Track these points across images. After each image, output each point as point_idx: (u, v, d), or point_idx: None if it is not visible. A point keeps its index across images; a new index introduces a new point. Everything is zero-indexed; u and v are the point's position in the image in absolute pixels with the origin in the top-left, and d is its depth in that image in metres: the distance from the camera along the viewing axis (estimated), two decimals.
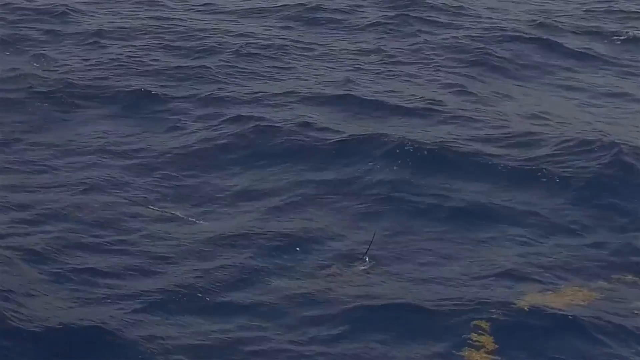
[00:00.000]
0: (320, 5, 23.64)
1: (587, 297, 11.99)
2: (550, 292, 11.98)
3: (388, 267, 12.62)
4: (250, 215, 13.79)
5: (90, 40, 21.03)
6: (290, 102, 17.89)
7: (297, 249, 12.86)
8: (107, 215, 13.59)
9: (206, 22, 22.59)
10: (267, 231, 13.24)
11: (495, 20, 23.09)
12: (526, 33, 22.03)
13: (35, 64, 19.48)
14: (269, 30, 22.13)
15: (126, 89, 18.24)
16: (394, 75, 19.57)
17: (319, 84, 18.80)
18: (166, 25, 22.17)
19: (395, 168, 15.19)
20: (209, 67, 19.41)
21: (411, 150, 15.61)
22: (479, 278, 12.30)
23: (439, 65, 20.21)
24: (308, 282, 12.13)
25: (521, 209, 14.29)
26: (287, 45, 20.97)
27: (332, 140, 16.01)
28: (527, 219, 14.04)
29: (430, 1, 24.03)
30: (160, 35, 21.55)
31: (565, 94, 19.20)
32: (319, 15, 23.11)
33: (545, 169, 15.24)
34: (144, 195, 14.29)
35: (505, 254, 13.05)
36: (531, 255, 12.98)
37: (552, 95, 19.16)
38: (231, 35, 21.49)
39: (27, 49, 20.47)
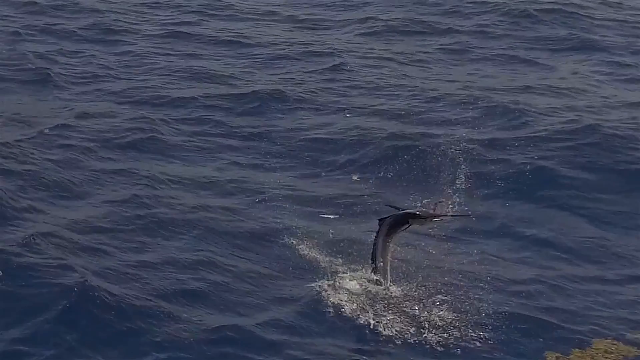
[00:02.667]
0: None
1: (623, 353, 10.38)
2: (577, 350, 10.39)
3: None
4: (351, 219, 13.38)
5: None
6: (370, 113, 17.24)
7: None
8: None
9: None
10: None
11: None
12: None
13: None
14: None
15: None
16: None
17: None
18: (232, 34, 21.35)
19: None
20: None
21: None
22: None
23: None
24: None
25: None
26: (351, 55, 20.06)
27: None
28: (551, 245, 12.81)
29: None
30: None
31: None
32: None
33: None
34: None
35: (523, 293, 11.59)
36: (552, 298, 11.48)
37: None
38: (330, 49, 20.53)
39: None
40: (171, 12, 22.77)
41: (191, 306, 11.03)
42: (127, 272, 11.65)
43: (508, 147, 15.41)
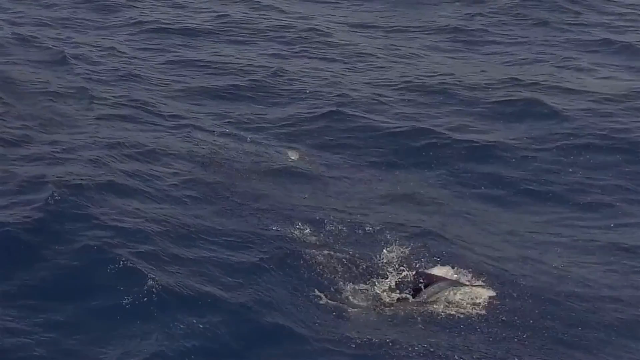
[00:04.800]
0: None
1: None
2: None
3: None
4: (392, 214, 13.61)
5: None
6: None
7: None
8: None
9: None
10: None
11: None
12: None
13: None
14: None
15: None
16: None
17: None
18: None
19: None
20: None
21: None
22: None
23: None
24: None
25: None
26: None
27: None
28: None
29: None
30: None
31: None
32: None
33: None
34: None
35: None
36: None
37: None
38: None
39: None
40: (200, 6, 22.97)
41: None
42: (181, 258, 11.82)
43: (539, 150, 15.63)
